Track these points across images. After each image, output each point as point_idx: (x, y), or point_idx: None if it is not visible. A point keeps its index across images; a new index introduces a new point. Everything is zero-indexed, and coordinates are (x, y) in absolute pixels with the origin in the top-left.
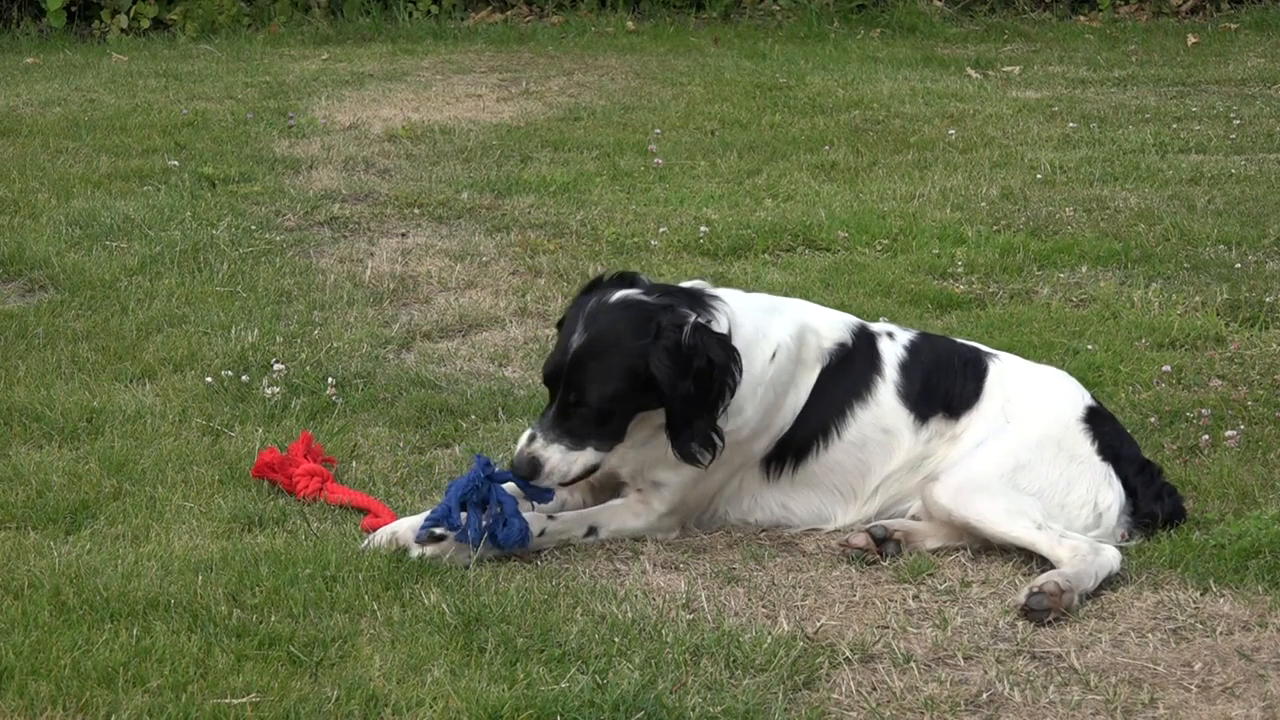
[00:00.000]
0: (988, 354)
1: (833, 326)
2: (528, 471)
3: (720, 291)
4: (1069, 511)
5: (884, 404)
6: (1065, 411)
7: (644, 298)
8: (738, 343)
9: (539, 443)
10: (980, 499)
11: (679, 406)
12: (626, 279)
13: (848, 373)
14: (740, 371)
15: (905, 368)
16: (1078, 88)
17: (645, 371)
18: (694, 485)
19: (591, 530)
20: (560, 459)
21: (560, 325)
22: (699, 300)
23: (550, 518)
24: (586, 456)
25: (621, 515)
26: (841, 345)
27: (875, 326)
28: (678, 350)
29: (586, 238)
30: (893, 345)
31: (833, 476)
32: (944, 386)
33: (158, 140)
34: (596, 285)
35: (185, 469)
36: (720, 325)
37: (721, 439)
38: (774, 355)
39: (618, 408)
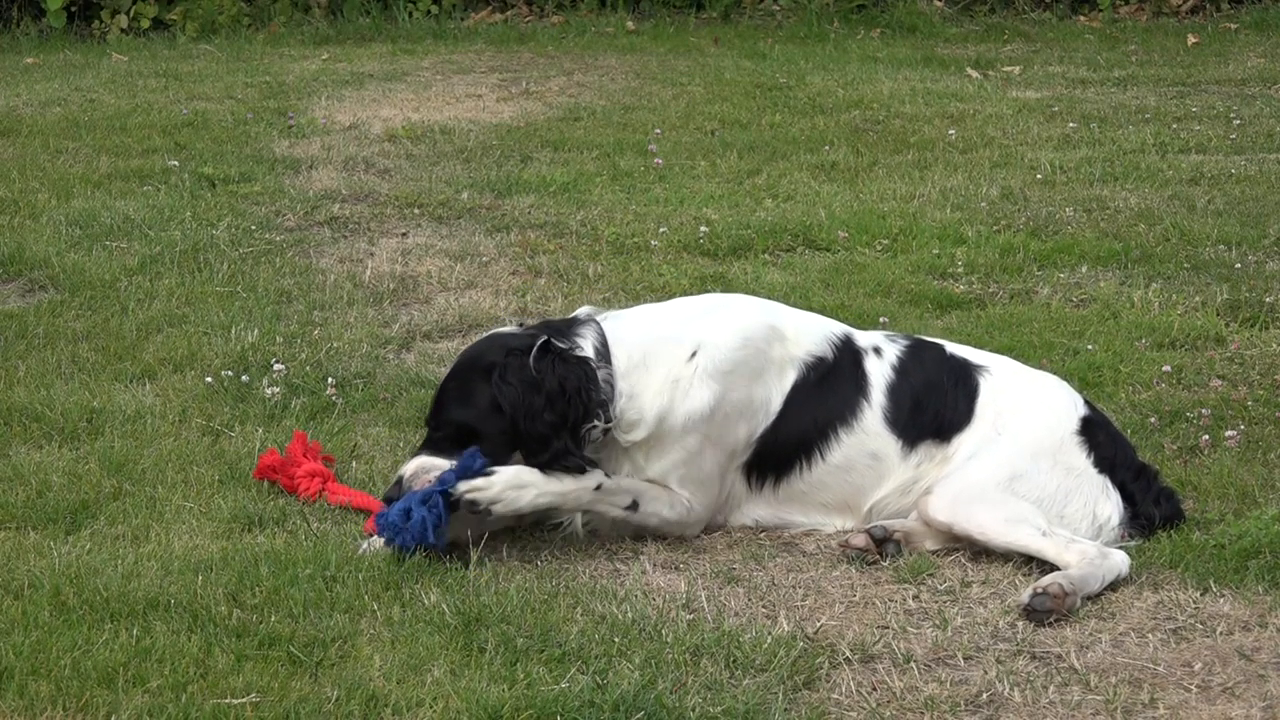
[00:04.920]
0: (979, 367)
1: (806, 333)
2: (392, 491)
3: (620, 312)
4: (1068, 524)
5: (870, 430)
6: (1059, 424)
7: (508, 330)
8: (620, 359)
9: (405, 464)
10: (979, 509)
11: (525, 427)
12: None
13: (832, 392)
14: (594, 390)
15: (893, 391)
16: (1078, 88)
17: (495, 398)
18: (692, 461)
19: (634, 504)
20: (419, 463)
21: None
22: (568, 328)
23: (607, 475)
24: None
25: (659, 500)
26: (819, 359)
27: (862, 340)
28: (523, 371)
29: (586, 238)
30: (880, 365)
31: (823, 495)
32: (934, 409)
33: (158, 140)
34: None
35: (185, 469)
36: (582, 348)
37: (584, 462)
38: (693, 355)
39: (480, 429)
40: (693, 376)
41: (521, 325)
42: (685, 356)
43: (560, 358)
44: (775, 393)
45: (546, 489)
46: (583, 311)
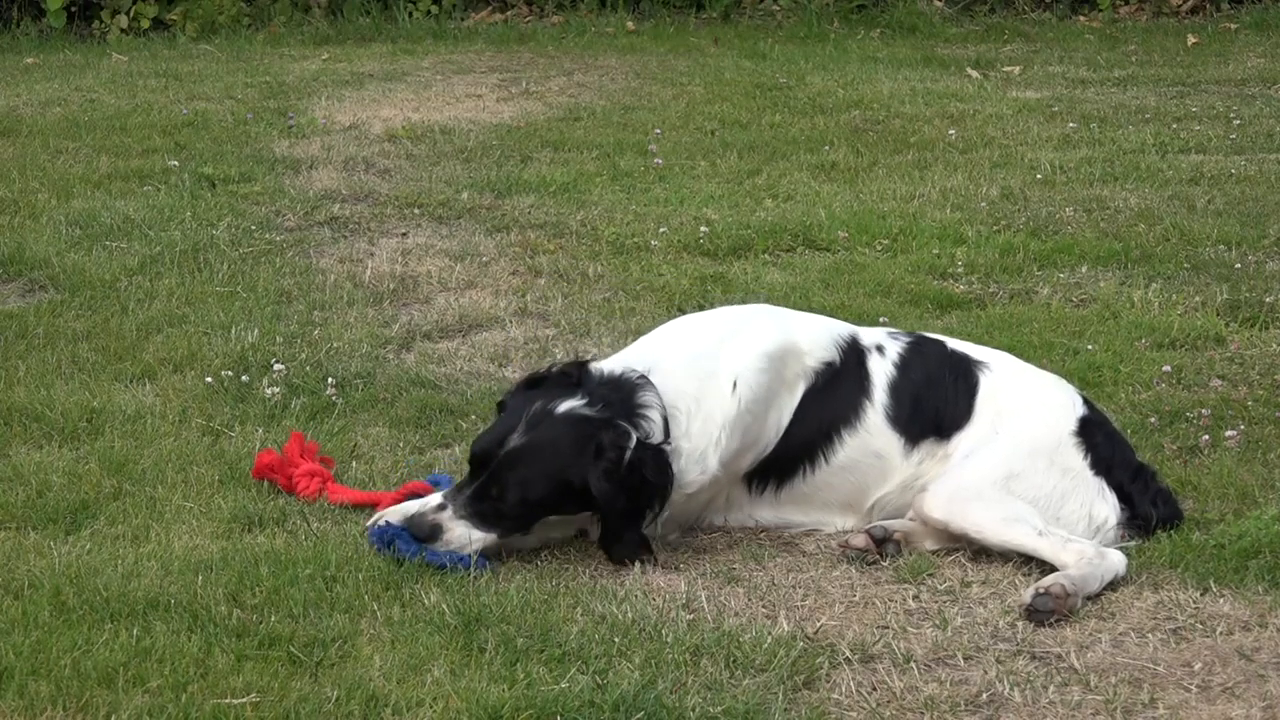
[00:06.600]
0: (979, 363)
1: (818, 341)
2: (425, 535)
3: (654, 355)
4: (1064, 525)
5: (873, 429)
6: (1057, 425)
7: (588, 412)
8: (681, 421)
9: (447, 513)
10: (975, 508)
11: (614, 522)
12: (572, 375)
13: (835, 394)
14: (671, 485)
15: (895, 388)
16: (1078, 88)
17: (579, 486)
18: (681, 505)
19: (582, 531)
20: (461, 533)
21: (501, 407)
22: (630, 399)
23: None
24: (489, 539)
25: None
26: (828, 365)
27: (865, 338)
28: (616, 470)
29: (586, 238)
30: (882, 363)
31: (826, 495)
32: (934, 406)
33: (158, 140)
34: (543, 380)
35: (185, 469)
36: (655, 426)
37: (650, 550)
38: (734, 386)
39: (541, 507)
40: (735, 413)
41: (569, 373)
42: (729, 391)
43: (652, 454)
44: (786, 411)
45: (482, 540)
46: (620, 365)
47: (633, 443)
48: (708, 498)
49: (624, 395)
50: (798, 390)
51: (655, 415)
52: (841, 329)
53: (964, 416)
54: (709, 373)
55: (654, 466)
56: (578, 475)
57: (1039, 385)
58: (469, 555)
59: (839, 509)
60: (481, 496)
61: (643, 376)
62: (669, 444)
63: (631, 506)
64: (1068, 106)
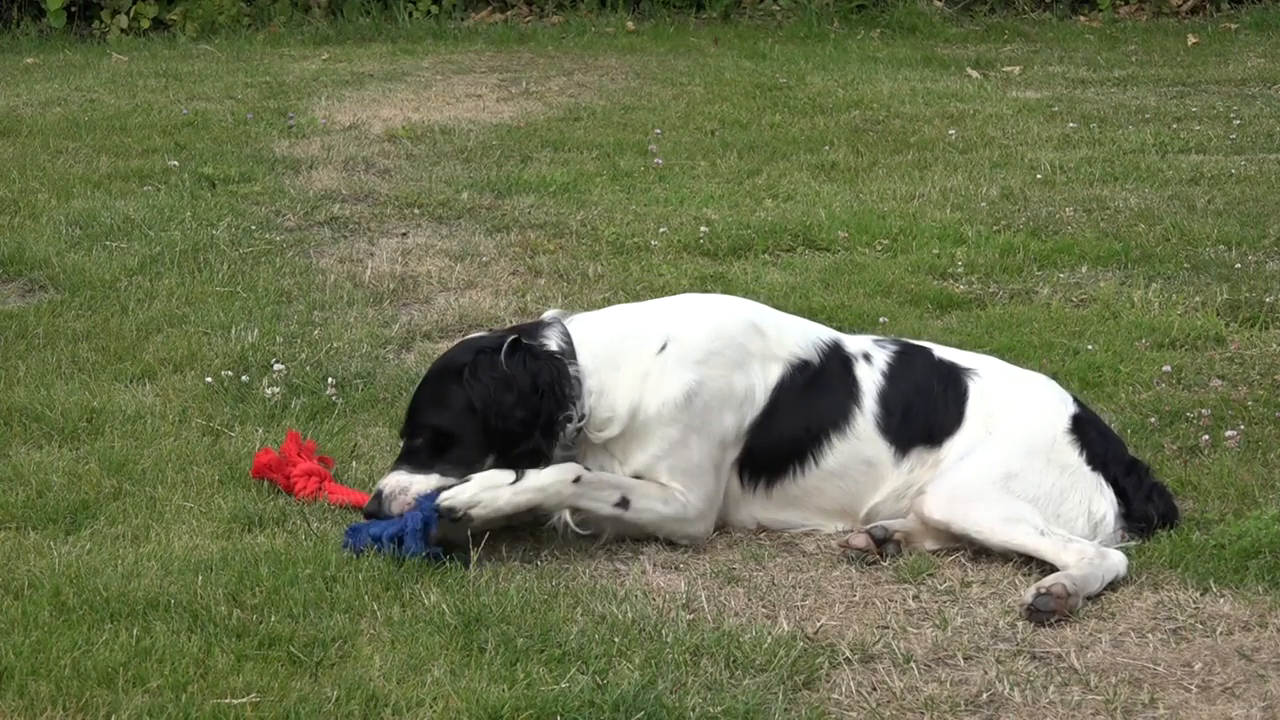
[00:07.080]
0: (967, 370)
1: (788, 333)
2: (372, 505)
3: (588, 314)
4: (1064, 522)
5: (863, 437)
6: (1051, 422)
7: (479, 334)
8: (586, 357)
9: (383, 478)
10: (976, 508)
11: (497, 424)
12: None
13: (822, 397)
14: (566, 384)
15: (884, 397)
16: (1078, 88)
17: (464, 399)
18: (675, 451)
19: (624, 501)
20: (398, 479)
21: None
22: (534, 330)
23: (587, 468)
24: (431, 480)
25: (651, 496)
26: (805, 362)
27: (851, 346)
28: (494, 369)
29: (586, 238)
30: (870, 371)
31: (818, 500)
32: (924, 415)
33: (158, 140)
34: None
35: (185, 469)
36: (549, 345)
37: (546, 457)
38: (663, 348)
39: (455, 431)
40: (663, 368)
41: (492, 331)
42: (654, 350)
43: (530, 353)
44: (759, 384)
45: (524, 486)
46: (549, 314)
47: (509, 340)
48: (705, 447)
49: (529, 328)
50: (771, 371)
51: (552, 344)
52: (820, 332)
53: (954, 423)
54: (635, 334)
55: (537, 363)
56: (456, 385)
57: (1029, 386)
58: (433, 520)
59: (834, 515)
60: (410, 448)
61: (558, 320)
62: (570, 363)
63: (526, 413)
64: (1068, 106)
